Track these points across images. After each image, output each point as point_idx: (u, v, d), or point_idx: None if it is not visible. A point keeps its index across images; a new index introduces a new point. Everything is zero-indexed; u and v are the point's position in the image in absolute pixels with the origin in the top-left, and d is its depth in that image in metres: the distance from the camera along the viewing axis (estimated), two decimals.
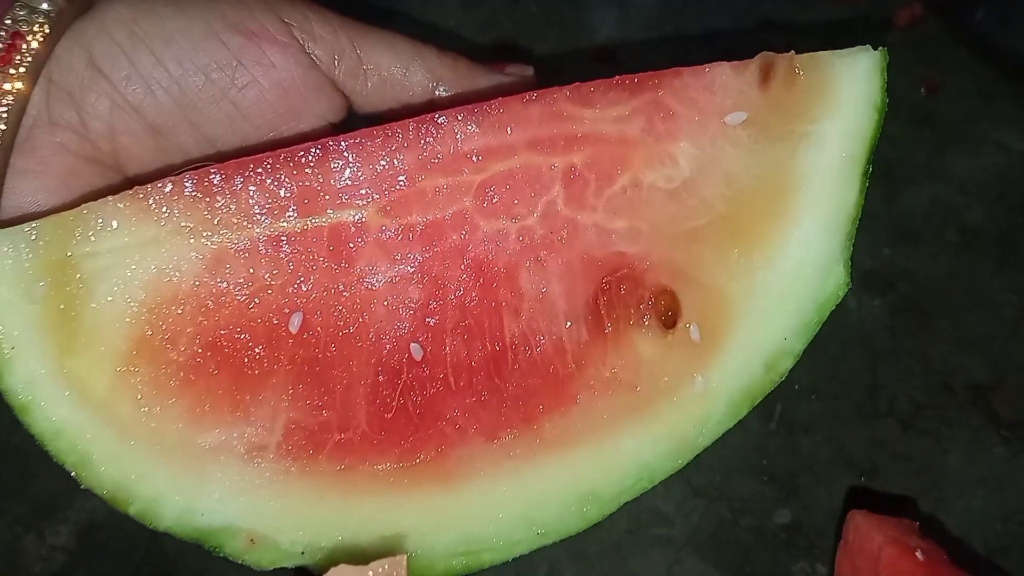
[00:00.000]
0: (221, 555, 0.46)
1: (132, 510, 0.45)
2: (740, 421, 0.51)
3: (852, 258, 0.50)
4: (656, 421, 0.49)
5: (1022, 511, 0.61)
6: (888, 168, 0.77)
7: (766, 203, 0.49)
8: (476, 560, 0.49)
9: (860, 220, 0.51)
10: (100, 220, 0.43)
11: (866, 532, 0.52)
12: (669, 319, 0.49)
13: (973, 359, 0.68)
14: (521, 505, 0.49)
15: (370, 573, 0.40)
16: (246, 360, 0.45)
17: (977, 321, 0.70)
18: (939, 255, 0.73)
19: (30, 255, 0.43)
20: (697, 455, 0.51)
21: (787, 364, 0.50)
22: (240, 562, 0.47)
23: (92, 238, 0.43)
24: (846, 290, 0.50)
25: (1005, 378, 0.69)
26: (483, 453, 0.48)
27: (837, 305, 0.51)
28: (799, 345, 0.50)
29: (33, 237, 0.43)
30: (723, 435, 0.52)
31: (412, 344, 0.47)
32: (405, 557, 0.44)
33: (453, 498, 0.48)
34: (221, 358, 0.45)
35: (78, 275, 0.43)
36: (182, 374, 0.45)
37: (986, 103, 0.80)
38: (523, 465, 0.49)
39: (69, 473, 0.46)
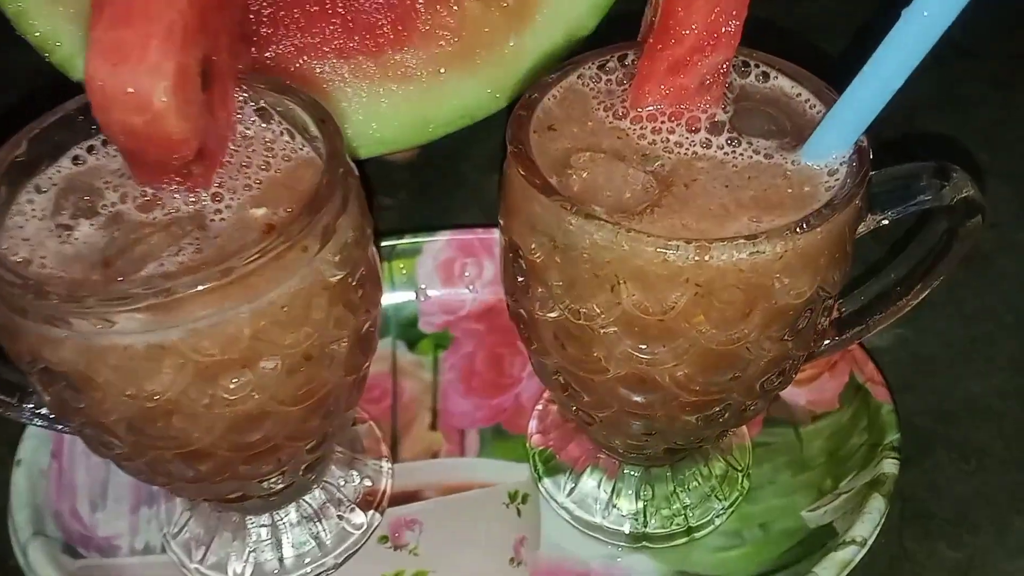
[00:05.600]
0: None
1: (53, 59, 0.52)
2: None
3: None
4: (478, 71, 0.58)
5: None
6: None
7: None
8: None
9: None
10: None
11: None
12: None
13: None
14: (368, 120, 0.57)
15: None
16: None
17: None
18: None
19: None
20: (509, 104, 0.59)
21: (582, 34, 0.58)
22: None
23: None
24: None
25: (891, 115, 0.75)
26: (335, 69, 0.56)
27: None
28: (591, 23, 0.58)
29: None
30: None
31: None
32: None
33: None
34: None
35: None
36: None
37: None
38: (370, 87, 0.56)
39: None
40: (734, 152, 0.36)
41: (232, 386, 0.34)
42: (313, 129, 0.38)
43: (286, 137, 0.39)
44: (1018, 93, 0.77)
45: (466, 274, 0.60)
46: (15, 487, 0.47)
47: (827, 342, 0.45)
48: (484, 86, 0.58)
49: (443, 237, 0.60)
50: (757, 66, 0.39)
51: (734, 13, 0.35)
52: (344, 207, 0.36)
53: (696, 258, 0.32)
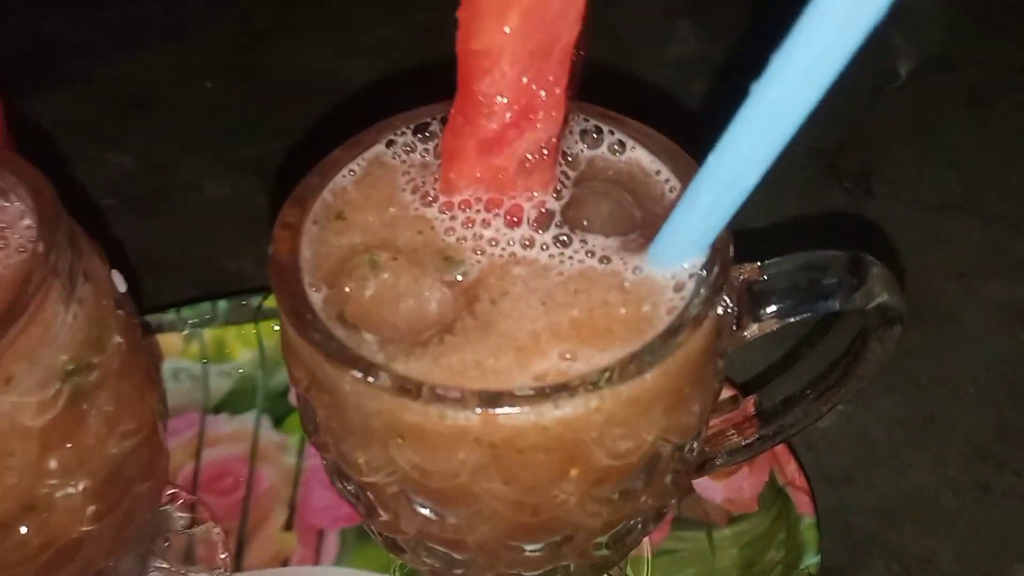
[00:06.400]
0: None
1: None
2: None
3: None
4: None
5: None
6: None
7: None
8: None
9: None
10: None
11: None
12: None
13: (817, 127, 0.65)
14: None
15: None
16: None
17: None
18: None
19: None
20: None
21: None
22: None
23: None
24: None
25: (852, 140, 0.67)
26: None
27: None
28: None
29: None
30: None
31: None
32: None
33: None
34: None
35: None
36: None
37: None
38: None
39: None
40: (562, 254, 0.28)
41: None
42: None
43: (26, 221, 0.32)
44: (997, 110, 0.68)
45: None
46: None
47: (728, 450, 0.37)
48: None
49: None
50: (612, 133, 0.31)
51: (551, 79, 0.26)
52: (63, 319, 0.28)
53: (481, 416, 0.24)
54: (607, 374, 0.24)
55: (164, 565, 0.43)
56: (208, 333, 0.52)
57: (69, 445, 0.29)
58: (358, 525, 0.46)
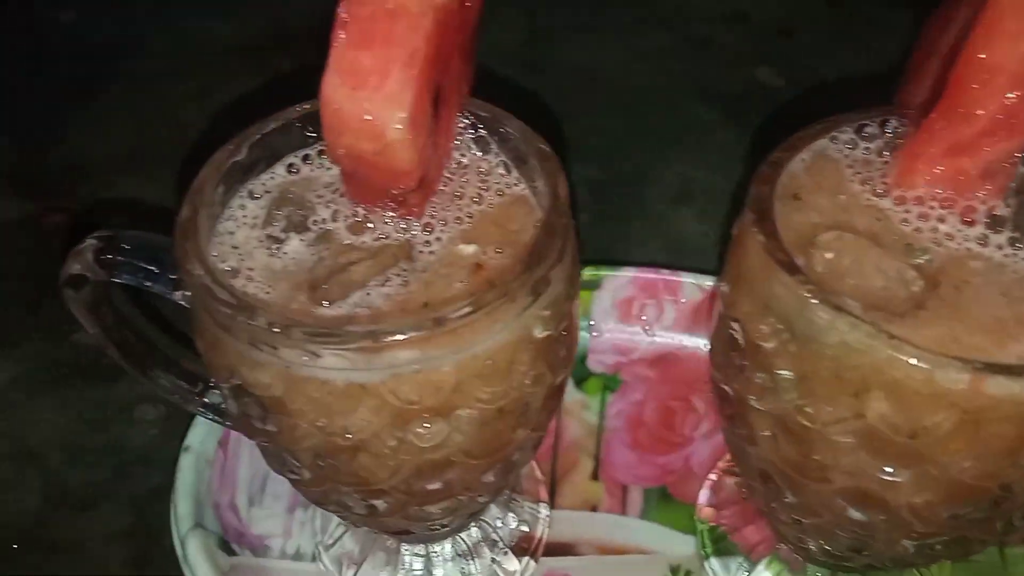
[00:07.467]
0: None
1: None
2: None
3: None
4: None
5: None
6: None
7: None
8: None
9: None
10: None
11: None
12: None
13: None
14: None
15: None
16: None
17: None
18: None
19: None
20: None
21: None
22: None
23: None
24: None
25: None
26: None
27: None
28: None
29: None
30: None
31: None
32: None
33: None
34: None
35: None
36: None
37: None
38: None
39: None
40: (1016, 256, 0.31)
41: (424, 433, 0.32)
42: (532, 164, 0.35)
43: (501, 170, 0.37)
44: None
45: (644, 316, 0.57)
46: (181, 475, 0.47)
47: None
48: None
49: (627, 274, 0.57)
50: None
51: None
52: (560, 258, 0.33)
53: (970, 383, 0.27)
54: None
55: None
56: None
57: (543, 363, 0.34)
58: (659, 487, 0.50)
